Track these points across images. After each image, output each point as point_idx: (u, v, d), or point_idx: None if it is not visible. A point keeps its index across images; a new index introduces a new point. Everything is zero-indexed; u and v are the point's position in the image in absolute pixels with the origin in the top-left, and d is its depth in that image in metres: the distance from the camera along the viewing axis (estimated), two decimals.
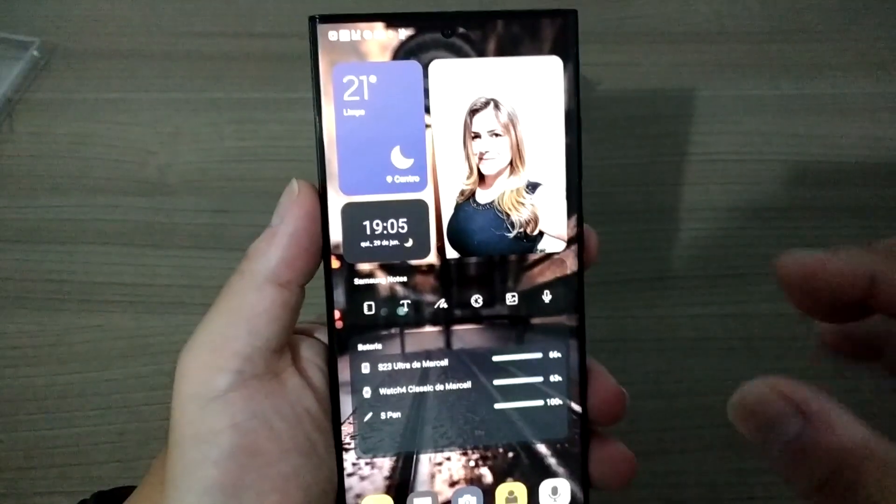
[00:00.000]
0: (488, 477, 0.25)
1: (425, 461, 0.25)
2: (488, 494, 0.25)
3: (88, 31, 0.53)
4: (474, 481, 0.25)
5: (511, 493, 0.25)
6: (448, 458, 0.25)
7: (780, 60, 0.54)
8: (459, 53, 0.24)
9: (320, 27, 0.23)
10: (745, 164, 0.49)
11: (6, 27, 0.53)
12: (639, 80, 0.53)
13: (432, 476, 0.25)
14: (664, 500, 0.37)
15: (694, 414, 0.40)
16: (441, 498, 0.25)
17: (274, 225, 0.23)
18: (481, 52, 0.24)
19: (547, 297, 0.25)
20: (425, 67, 0.24)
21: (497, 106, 0.25)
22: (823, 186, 0.48)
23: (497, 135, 0.25)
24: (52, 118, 0.50)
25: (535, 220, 0.25)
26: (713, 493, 0.37)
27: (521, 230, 0.25)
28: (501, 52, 0.24)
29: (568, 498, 0.26)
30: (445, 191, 0.25)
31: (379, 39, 0.24)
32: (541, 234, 0.25)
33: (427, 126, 0.24)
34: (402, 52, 0.24)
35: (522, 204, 0.25)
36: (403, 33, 0.24)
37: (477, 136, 0.25)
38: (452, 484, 0.25)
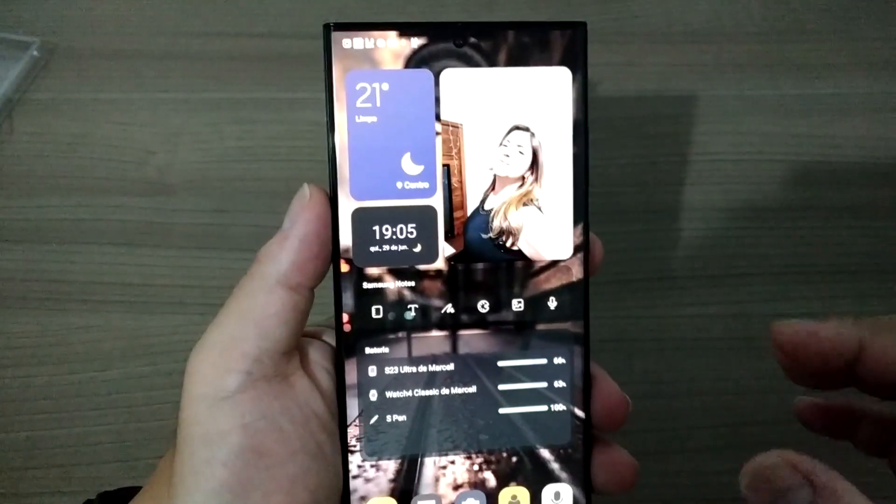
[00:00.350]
0: (492, 481, 0.25)
1: (429, 464, 0.25)
2: (491, 498, 0.25)
3: (88, 31, 0.53)
4: (478, 485, 0.25)
5: (514, 497, 0.26)
6: (452, 462, 0.25)
7: (780, 60, 0.54)
8: (470, 63, 0.24)
9: (335, 35, 0.24)
10: (745, 164, 0.49)
11: (6, 27, 0.52)
12: (639, 80, 0.53)
13: (436, 479, 0.25)
14: (664, 500, 0.37)
15: (694, 414, 0.40)
16: (445, 501, 0.25)
17: (285, 228, 0.24)
18: (492, 62, 0.24)
19: (552, 303, 0.26)
20: (437, 76, 0.24)
21: (515, 119, 0.25)
22: (823, 186, 0.48)
23: (518, 146, 0.25)
24: (52, 118, 0.50)
25: (534, 231, 0.25)
26: (713, 493, 0.37)
27: (513, 239, 0.25)
28: (512, 62, 0.24)
29: (570, 502, 0.26)
30: (454, 197, 0.25)
31: (392, 48, 0.24)
32: (538, 241, 0.25)
33: (437, 133, 0.24)
34: (415, 60, 0.24)
35: (522, 214, 0.25)
36: (416, 42, 0.24)
37: (489, 145, 0.25)
38: (456, 487, 0.25)
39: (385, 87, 0.24)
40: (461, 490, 0.25)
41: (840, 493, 0.18)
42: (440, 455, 0.25)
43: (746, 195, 0.48)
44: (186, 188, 0.47)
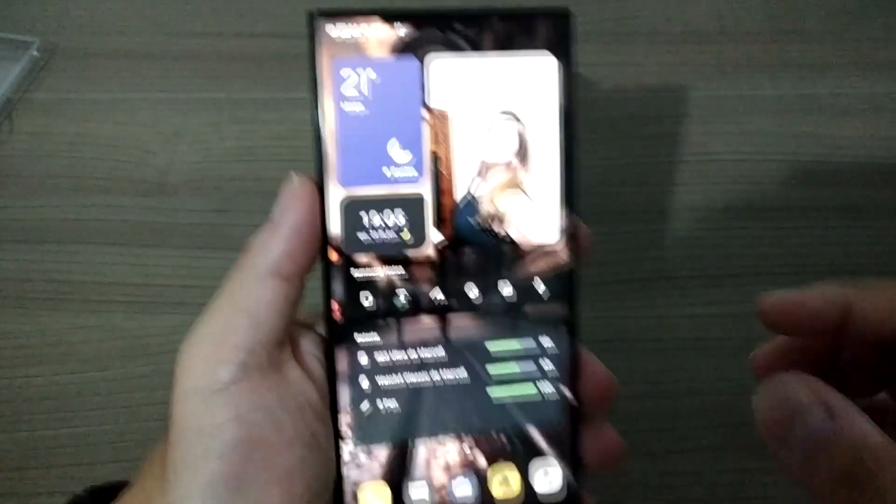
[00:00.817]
0: (482, 462, 0.26)
1: (421, 448, 0.25)
2: (482, 479, 0.26)
3: (88, 31, 0.53)
4: (469, 467, 0.26)
5: (505, 477, 0.26)
6: (443, 445, 0.25)
7: (780, 60, 0.54)
8: (457, 50, 0.24)
9: (319, 22, 0.23)
10: (745, 164, 0.49)
11: (6, 27, 0.53)
12: (639, 80, 0.53)
13: (428, 462, 0.25)
14: (664, 500, 0.37)
15: (694, 414, 0.40)
16: (437, 484, 0.25)
17: (275, 217, 0.24)
18: (479, 49, 0.24)
19: (540, 287, 0.26)
20: (423, 63, 0.24)
21: (501, 106, 0.25)
22: (823, 186, 0.48)
23: (504, 132, 0.25)
24: (52, 118, 0.50)
25: (521, 216, 0.25)
26: (713, 493, 0.37)
27: (500, 225, 0.25)
28: (499, 48, 0.24)
29: (559, 481, 0.26)
30: (442, 184, 0.25)
31: (378, 35, 0.24)
32: (525, 226, 0.26)
33: (425, 121, 0.24)
34: (401, 47, 0.24)
35: (509, 200, 0.25)
36: (402, 29, 0.24)
37: (476, 131, 0.25)
38: (448, 470, 0.25)
39: (371, 74, 0.24)
40: (453, 472, 0.25)
41: (853, 418, 0.18)
42: (431, 439, 0.25)
43: (746, 195, 0.48)
44: (186, 188, 0.47)
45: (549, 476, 0.26)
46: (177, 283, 0.44)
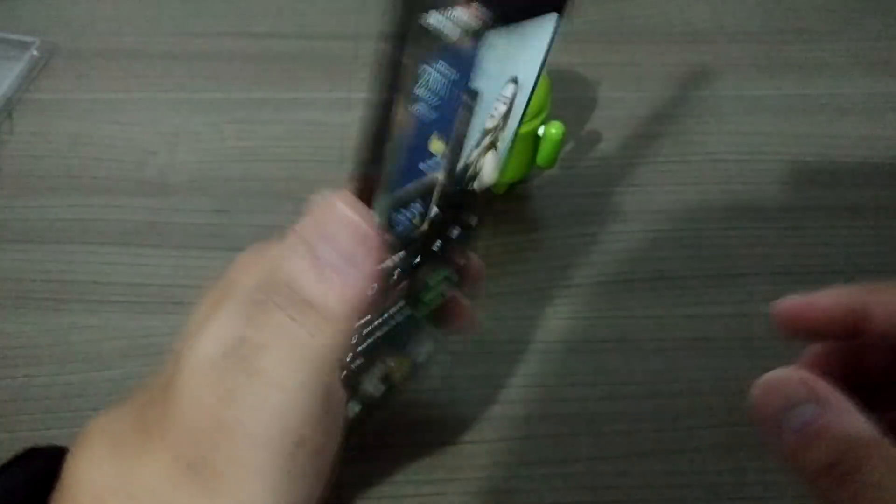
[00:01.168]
0: (390, 360, 0.29)
1: (363, 378, 0.28)
2: (387, 370, 0.29)
3: (88, 31, 0.53)
4: (384, 369, 0.29)
5: (399, 361, 0.30)
6: (371, 362, 0.28)
7: (780, 60, 0.54)
8: (506, 23, 0.21)
9: (417, 8, 0.18)
10: (745, 164, 0.49)
11: (6, 27, 0.53)
12: (639, 80, 0.53)
13: (361, 380, 0.28)
14: (664, 500, 0.37)
15: (694, 414, 0.40)
16: (361, 394, 0.29)
17: (346, 272, 0.20)
18: (519, 19, 0.21)
19: (473, 220, 0.28)
20: (480, 44, 0.20)
21: (512, 71, 0.23)
22: (823, 186, 0.48)
23: (505, 97, 0.24)
24: (52, 118, 0.50)
25: (486, 169, 0.26)
26: (713, 493, 0.37)
27: (471, 182, 0.26)
28: (527, 15, 0.21)
29: (431, 346, 0.31)
30: (454, 162, 0.24)
31: (460, 21, 0.19)
32: (486, 177, 0.27)
33: (465, 105, 0.21)
34: (472, 32, 0.20)
35: (485, 158, 0.26)
36: (475, 12, 0.19)
37: (491, 103, 0.23)
38: (371, 380, 0.29)
39: (447, 68, 0.19)
40: (373, 379, 0.29)
41: (846, 411, 0.19)
42: (371, 367, 0.28)
43: (746, 195, 0.48)
44: (186, 188, 0.47)
45: (424, 347, 0.31)
46: (177, 283, 0.44)
